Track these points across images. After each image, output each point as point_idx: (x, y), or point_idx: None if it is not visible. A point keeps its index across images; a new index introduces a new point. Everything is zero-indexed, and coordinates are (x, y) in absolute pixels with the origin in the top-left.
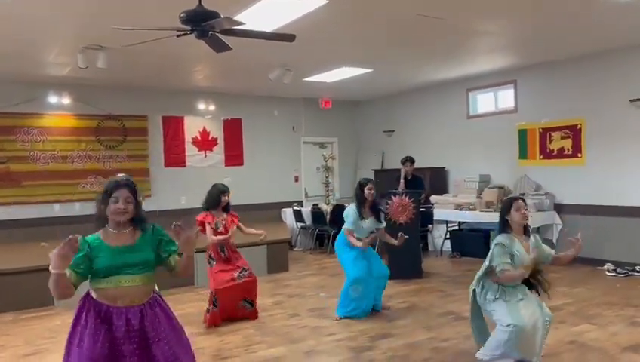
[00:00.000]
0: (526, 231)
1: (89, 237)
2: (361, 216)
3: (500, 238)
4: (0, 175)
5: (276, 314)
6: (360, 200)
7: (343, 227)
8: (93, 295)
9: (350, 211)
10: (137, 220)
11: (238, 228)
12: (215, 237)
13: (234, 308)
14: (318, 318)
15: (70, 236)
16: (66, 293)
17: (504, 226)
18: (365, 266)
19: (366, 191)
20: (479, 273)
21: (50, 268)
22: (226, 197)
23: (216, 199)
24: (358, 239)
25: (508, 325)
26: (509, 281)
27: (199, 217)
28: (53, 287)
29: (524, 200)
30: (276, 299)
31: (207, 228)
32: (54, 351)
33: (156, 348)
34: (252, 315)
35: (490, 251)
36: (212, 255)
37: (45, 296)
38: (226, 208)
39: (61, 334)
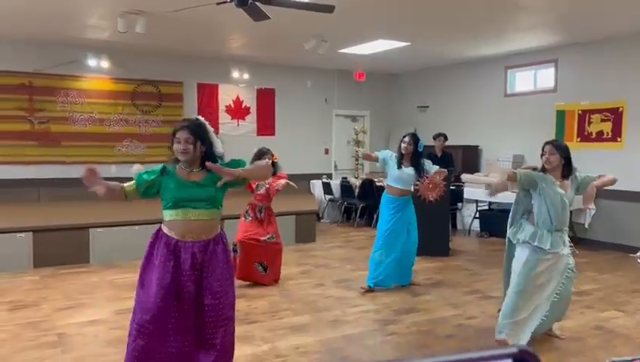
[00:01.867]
0: (564, 172)
1: (170, 166)
2: (399, 165)
3: (537, 172)
4: (41, 134)
5: (303, 282)
6: (399, 152)
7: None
8: (165, 229)
9: (388, 151)
10: (204, 159)
11: (288, 184)
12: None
13: (249, 267)
14: (343, 289)
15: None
16: (114, 197)
17: (542, 168)
18: (393, 232)
19: (401, 144)
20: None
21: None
22: (269, 159)
23: (257, 159)
24: (398, 189)
25: (516, 284)
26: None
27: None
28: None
29: (553, 145)
30: (303, 269)
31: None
32: (91, 305)
33: (206, 283)
34: (264, 280)
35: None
36: (249, 211)
37: (82, 253)
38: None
39: (97, 290)
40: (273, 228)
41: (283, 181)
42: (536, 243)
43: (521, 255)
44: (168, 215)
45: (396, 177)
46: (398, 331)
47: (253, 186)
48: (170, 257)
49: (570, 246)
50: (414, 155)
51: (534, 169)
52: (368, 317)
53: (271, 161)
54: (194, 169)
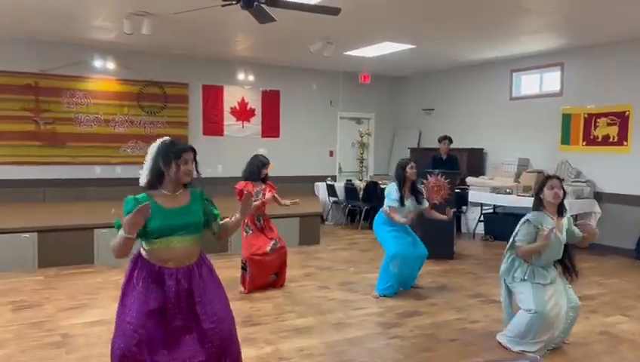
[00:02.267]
0: (560, 210)
1: (139, 197)
2: (402, 202)
3: (530, 215)
4: (47, 135)
5: (306, 285)
6: (401, 180)
7: (385, 204)
8: (145, 255)
9: (392, 189)
10: (190, 183)
11: (275, 198)
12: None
13: (264, 281)
14: (347, 292)
15: (141, 205)
16: (126, 254)
17: (538, 204)
18: (405, 243)
19: (408, 170)
20: (506, 249)
21: (121, 232)
22: (267, 170)
23: (257, 171)
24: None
25: (529, 310)
26: (525, 256)
27: (239, 186)
28: (118, 249)
29: (559, 180)
30: (307, 271)
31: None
32: (94, 306)
33: (200, 307)
34: (276, 284)
35: (518, 227)
36: (249, 223)
37: (86, 253)
38: (265, 179)
39: (101, 291)
40: (274, 233)
41: (269, 195)
42: (536, 281)
43: (524, 291)
44: (149, 244)
45: (400, 212)
46: (402, 334)
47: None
48: (153, 284)
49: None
50: (414, 183)
51: (545, 178)
52: (372, 320)
53: (266, 173)
54: (176, 193)
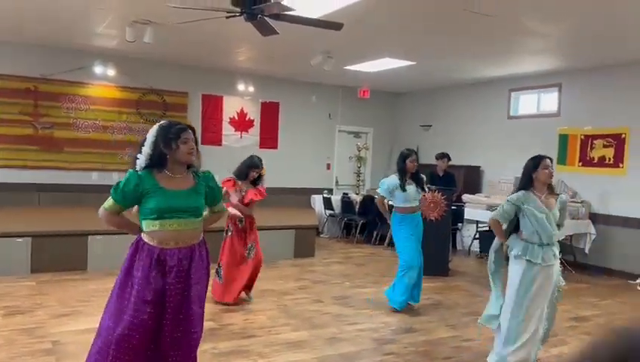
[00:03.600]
0: (550, 188)
1: (142, 173)
2: (402, 186)
3: (514, 195)
4: (44, 139)
5: (301, 298)
6: (402, 171)
7: (377, 192)
8: (145, 238)
9: (387, 180)
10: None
11: (248, 203)
12: (232, 210)
13: (236, 291)
14: (341, 306)
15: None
16: (116, 226)
17: (528, 183)
18: (417, 249)
19: (408, 163)
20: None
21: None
22: (254, 173)
23: (245, 171)
24: (408, 207)
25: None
26: (493, 226)
27: (223, 181)
28: (113, 223)
29: (551, 160)
30: (301, 284)
31: (232, 195)
32: (87, 313)
33: (194, 290)
34: (245, 288)
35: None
36: (229, 225)
37: (80, 260)
38: (255, 182)
39: (94, 298)
40: (253, 237)
41: (233, 211)
42: (527, 257)
43: (514, 272)
44: (150, 225)
45: (403, 199)
46: (396, 351)
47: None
48: (154, 267)
49: (561, 262)
50: (417, 173)
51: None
52: (366, 336)
53: (257, 175)
54: (178, 175)
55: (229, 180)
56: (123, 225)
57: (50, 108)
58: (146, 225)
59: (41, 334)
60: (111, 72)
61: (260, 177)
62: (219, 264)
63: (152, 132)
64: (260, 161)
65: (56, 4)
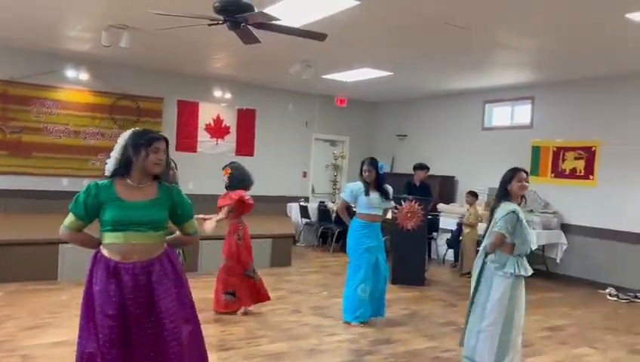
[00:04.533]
0: (522, 201)
1: (102, 183)
2: (366, 192)
3: (508, 206)
4: (12, 144)
5: (278, 308)
6: (362, 179)
7: (340, 197)
8: (103, 250)
9: (352, 184)
10: (161, 176)
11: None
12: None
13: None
14: (319, 317)
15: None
16: (76, 242)
17: (505, 195)
18: (373, 263)
19: (363, 173)
20: (483, 245)
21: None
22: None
23: (249, 180)
24: (369, 215)
25: (500, 329)
26: (497, 243)
27: (236, 196)
28: (70, 239)
29: (526, 172)
30: (278, 294)
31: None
32: (58, 325)
33: (162, 304)
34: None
35: (502, 217)
36: (239, 231)
37: (50, 269)
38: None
39: (65, 309)
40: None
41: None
42: (522, 272)
43: (502, 288)
44: (106, 237)
45: (365, 204)
46: None
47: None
48: (111, 280)
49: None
50: (377, 180)
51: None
52: (345, 347)
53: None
54: (143, 184)
55: (242, 192)
56: (87, 241)
57: (19, 112)
58: (102, 236)
59: (9, 348)
60: (84, 76)
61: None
62: (253, 268)
63: (124, 136)
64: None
65: (28, 6)
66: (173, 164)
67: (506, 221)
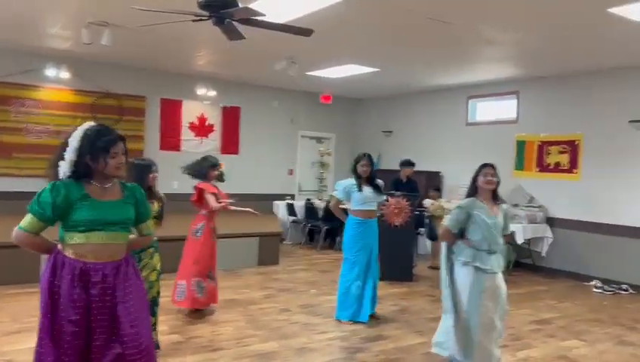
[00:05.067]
0: (494, 196)
1: (68, 182)
2: (359, 187)
3: (461, 201)
4: None
5: (267, 307)
6: (355, 174)
7: (332, 195)
8: (67, 253)
9: (343, 181)
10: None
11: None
12: (217, 205)
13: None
14: (309, 315)
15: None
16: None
17: (473, 191)
18: (367, 259)
19: (359, 167)
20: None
21: (30, 221)
22: (216, 172)
23: (205, 172)
24: (364, 211)
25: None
26: (445, 236)
27: (200, 185)
28: (26, 243)
29: (494, 168)
30: (267, 293)
31: (209, 197)
32: None
33: (121, 309)
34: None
35: (451, 212)
36: (201, 225)
37: (33, 272)
38: (221, 179)
39: None
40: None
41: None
42: (477, 264)
43: (464, 278)
44: (75, 238)
45: (359, 200)
46: (367, 360)
47: (212, 196)
48: (75, 284)
49: (503, 273)
50: (371, 175)
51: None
52: (336, 345)
53: (219, 173)
54: (106, 185)
55: (205, 183)
56: (43, 246)
57: None
58: (69, 237)
59: None
60: (64, 74)
61: (221, 175)
62: (210, 270)
63: (76, 138)
64: (216, 159)
65: (4, 3)
66: (154, 168)
67: (451, 215)
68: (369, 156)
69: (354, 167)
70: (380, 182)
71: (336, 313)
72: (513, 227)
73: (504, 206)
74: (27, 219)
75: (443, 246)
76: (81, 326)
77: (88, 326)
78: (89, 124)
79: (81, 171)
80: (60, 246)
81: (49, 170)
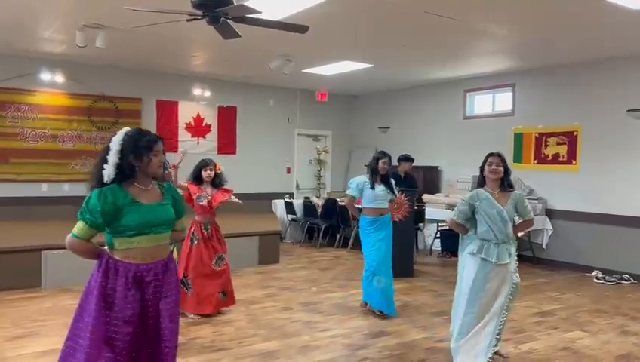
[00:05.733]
0: (503, 184)
1: (112, 188)
2: (372, 185)
3: (468, 194)
4: None
5: (268, 306)
6: (373, 171)
7: (346, 193)
8: (118, 257)
9: (356, 178)
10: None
11: (230, 201)
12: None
13: (210, 301)
14: (311, 313)
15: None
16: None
17: (481, 181)
18: (384, 256)
19: (380, 164)
20: None
21: (82, 229)
22: (208, 172)
23: (196, 173)
24: (376, 209)
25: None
26: (452, 226)
27: (186, 182)
28: (81, 251)
29: (500, 157)
30: (268, 291)
31: (201, 198)
32: (45, 334)
33: (163, 303)
34: (230, 302)
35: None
36: (195, 232)
37: (33, 277)
38: (215, 183)
39: (51, 317)
40: (222, 248)
41: (235, 199)
42: (482, 255)
43: (470, 268)
44: (126, 243)
45: (372, 197)
46: (371, 356)
47: (194, 197)
48: (130, 286)
49: (516, 261)
50: (387, 175)
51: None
52: (338, 342)
53: (214, 173)
54: (148, 187)
55: (190, 183)
56: (93, 252)
57: None
58: (119, 243)
59: None
60: (59, 78)
61: (217, 176)
62: (184, 274)
63: (118, 140)
64: (210, 160)
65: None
66: (167, 165)
67: (457, 206)
68: (389, 155)
69: (373, 164)
70: (392, 181)
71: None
72: None
73: (516, 193)
74: (79, 226)
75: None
76: (137, 326)
77: (144, 324)
78: (127, 128)
79: (126, 172)
80: (108, 251)
81: (91, 175)
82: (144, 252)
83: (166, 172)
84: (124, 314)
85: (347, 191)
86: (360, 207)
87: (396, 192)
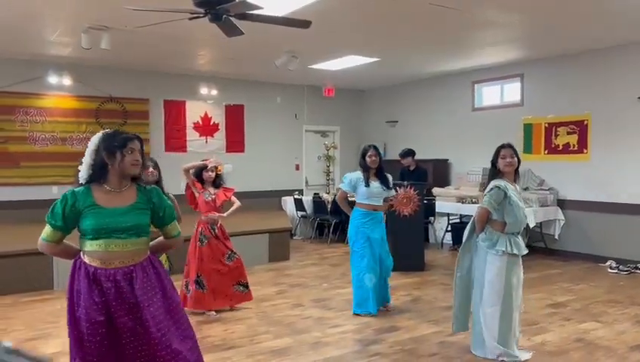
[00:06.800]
0: (515, 176)
1: (78, 191)
2: (367, 182)
3: (495, 182)
4: None
5: (279, 303)
6: (363, 167)
7: (339, 187)
8: (84, 258)
9: (350, 174)
10: (139, 178)
11: (230, 201)
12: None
13: (228, 293)
14: (321, 309)
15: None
16: (55, 254)
17: (495, 173)
18: (376, 254)
19: (368, 159)
20: (472, 219)
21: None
22: (209, 173)
23: (197, 174)
24: (370, 205)
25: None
26: (480, 220)
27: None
28: (51, 251)
29: (512, 148)
30: (279, 288)
31: (196, 194)
32: (57, 335)
33: (147, 313)
34: (248, 297)
35: (487, 193)
36: (203, 232)
37: (45, 279)
38: (216, 183)
39: (64, 318)
40: (230, 244)
41: (234, 199)
42: (515, 251)
43: (497, 269)
44: (87, 245)
45: (366, 194)
46: (382, 351)
47: (200, 193)
48: (93, 286)
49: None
50: (379, 167)
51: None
52: (349, 338)
53: (214, 174)
54: (122, 188)
55: (195, 181)
56: (67, 252)
57: (3, 122)
58: (82, 244)
59: None
60: (66, 81)
61: (218, 176)
62: (198, 274)
63: (94, 140)
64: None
65: (1, 13)
66: (149, 163)
67: (490, 196)
68: (375, 147)
69: (362, 160)
70: (388, 176)
71: (353, 308)
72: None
73: (517, 187)
74: (45, 230)
75: (466, 231)
76: (107, 328)
77: (114, 328)
78: (107, 129)
79: (97, 172)
80: (81, 251)
81: (74, 177)
82: (104, 256)
83: (147, 171)
84: (93, 315)
85: (339, 186)
86: (352, 200)
87: (392, 189)
